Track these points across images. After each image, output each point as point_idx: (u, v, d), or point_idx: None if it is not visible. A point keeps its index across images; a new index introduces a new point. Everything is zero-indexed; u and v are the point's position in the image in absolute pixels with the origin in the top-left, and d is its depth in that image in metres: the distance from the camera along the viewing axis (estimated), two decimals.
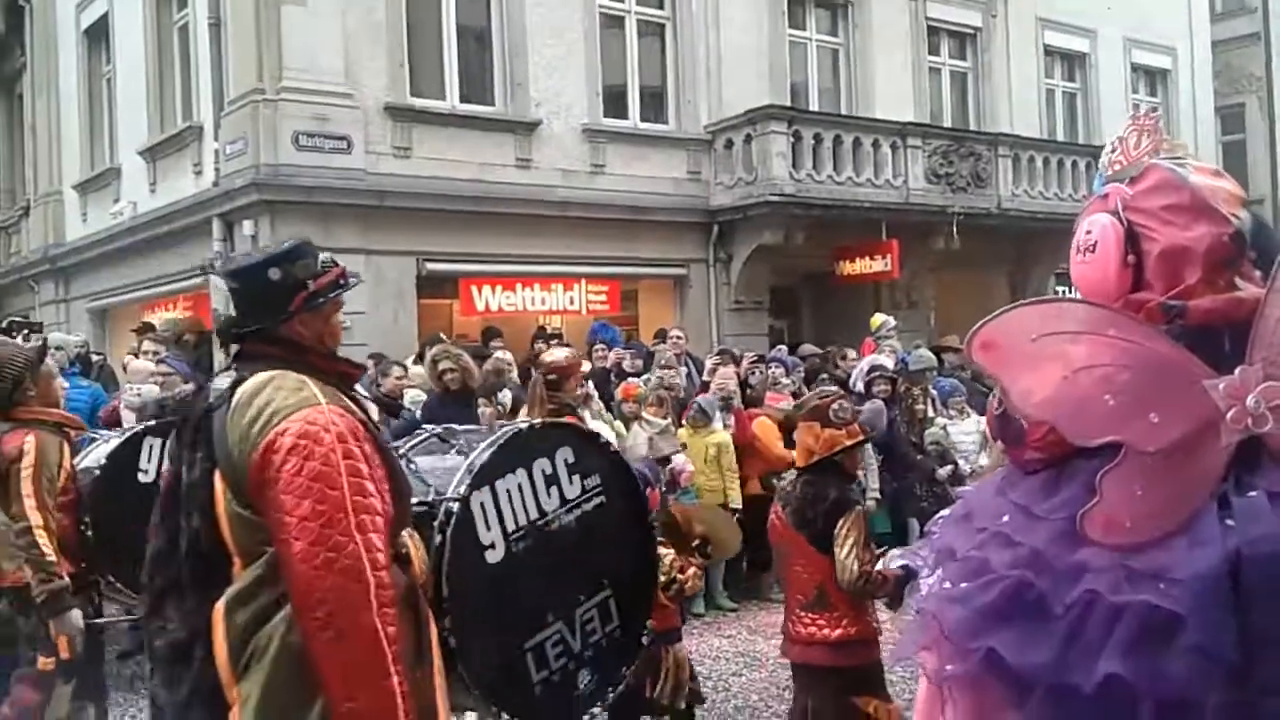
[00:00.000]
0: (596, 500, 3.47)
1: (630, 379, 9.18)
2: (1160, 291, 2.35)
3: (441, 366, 7.59)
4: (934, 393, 10.12)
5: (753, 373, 9.81)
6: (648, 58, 14.50)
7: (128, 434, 4.10)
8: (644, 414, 7.91)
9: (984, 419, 7.86)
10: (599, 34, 13.74)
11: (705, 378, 9.55)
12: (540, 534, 3.28)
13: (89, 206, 15.74)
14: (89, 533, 4.68)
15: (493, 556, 3.16)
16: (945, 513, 2.78)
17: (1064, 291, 18.51)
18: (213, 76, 12.23)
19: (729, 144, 14.26)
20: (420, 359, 9.25)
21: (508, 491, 3.22)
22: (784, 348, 12.11)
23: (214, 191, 12.06)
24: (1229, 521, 2.09)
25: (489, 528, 3.16)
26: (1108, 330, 2.26)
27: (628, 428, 8.41)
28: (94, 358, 10.30)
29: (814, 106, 15.63)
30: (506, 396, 7.58)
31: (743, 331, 14.07)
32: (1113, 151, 2.56)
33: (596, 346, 10.57)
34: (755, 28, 14.99)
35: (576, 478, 3.42)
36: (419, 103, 12.40)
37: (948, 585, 2.41)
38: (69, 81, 16.29)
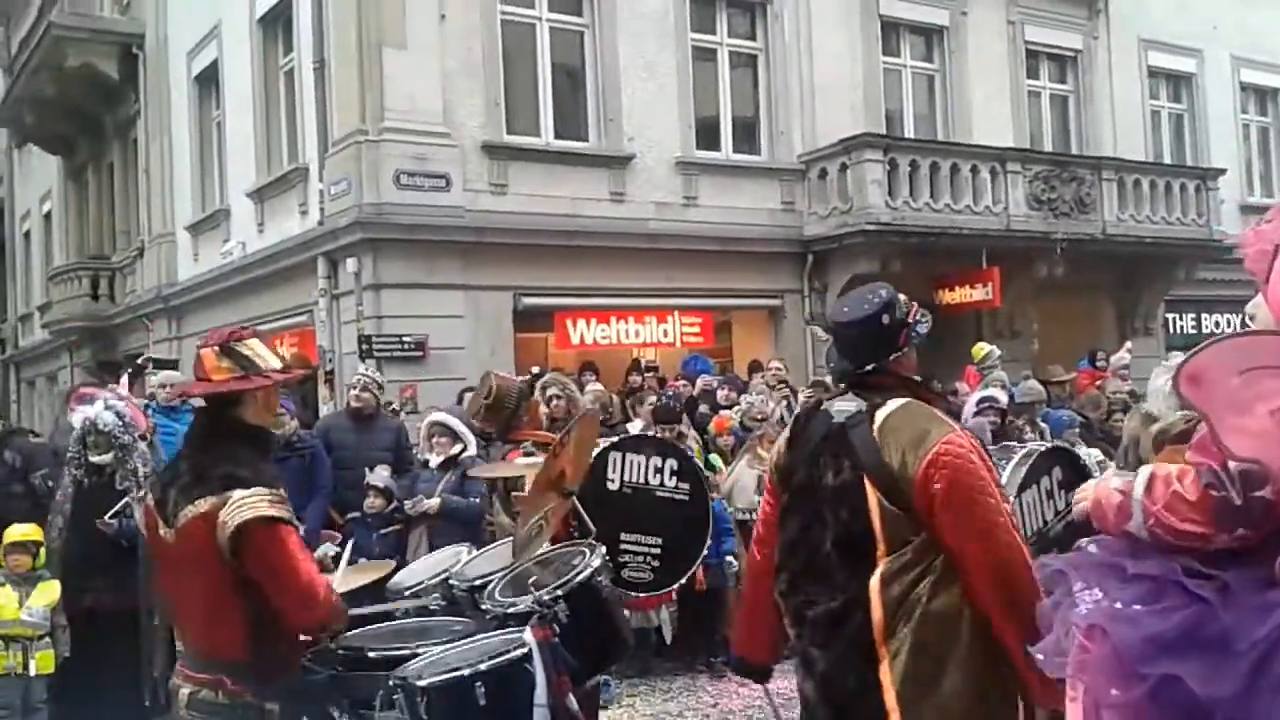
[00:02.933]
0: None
1: (723, 412, 9.12)
2: None
3: (550, 392, 7.69)
4: (1043, 425, 9.82)
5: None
6: (740, 89, 14.52)
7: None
8: (758, 450, 7.82)
9: (1093, 451, 7.62)
10: (691, 67, 13.81)
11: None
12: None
13: (200, 247, 16.32)
14: None
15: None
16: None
17: (1174, 319, 17.96)
18: (317, 119, 12.60)
19: (823, 173, 14.16)
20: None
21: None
22: None
23: (319, 230, 12.39)
24: None
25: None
26: None
27: (725, 461, 8.37)
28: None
29: (909, 134, 15.46)
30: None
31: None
32: None
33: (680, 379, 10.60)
34: (848, 56, 14.91)
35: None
36: (515, 140, 12.60)
37: (1118, 605, 2.29)
38: (181, 126, 16.96)
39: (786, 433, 3.42)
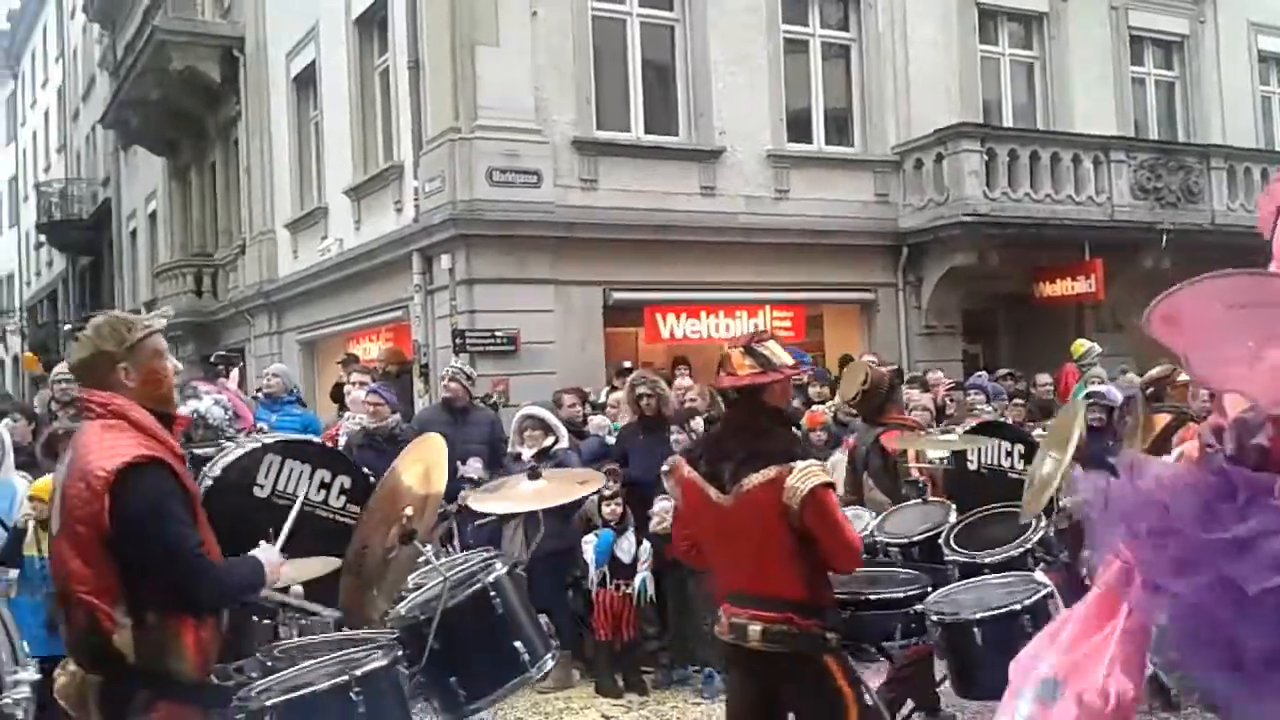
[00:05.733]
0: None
1: (816, 407, 9.00)
2: None
3: (639, 391, 7.68)
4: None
5: (950, 400, 9.46)
6: (832, 80, 14.33)
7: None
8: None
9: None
10: (783, 59, 13.67)
11: None
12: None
13: (299, 244, 16.69)
14: None
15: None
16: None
17: None
18: (412, 117, 12.77)
19: (918, 164, 13.90)
20: (614, 388, 9.38)
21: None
22: (984, 373, 11.65)
23: (414, 227, 12.57)
24: None
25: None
26: None
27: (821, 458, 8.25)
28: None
29: (1008, 123, 15.10)
30: (700, 424, 7.55)
31: (934, 357, 13.65)
32: None
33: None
34: (944, 45, 14.61)
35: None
36: (605, 135, 12.61)
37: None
38: (280, 126, 17.35)
39: None
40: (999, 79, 15.49)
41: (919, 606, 3.98)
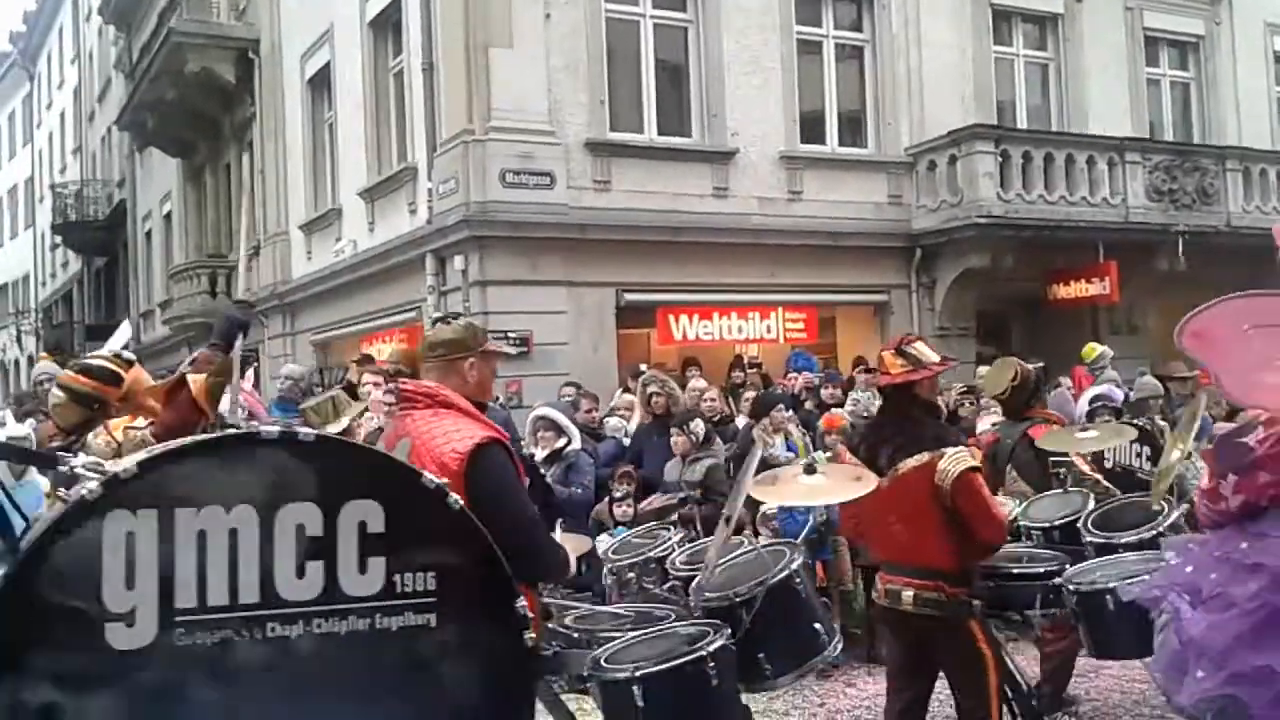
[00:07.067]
0: None
1: (834, 410, 8.98)
2: None
3: (650, 390, 7.72)
4: (1163, 424, 9.45)
5: (962, 403, 9.44)
6: (846, 81, 14.31)
7: None
8: None
9: None
10: (796, 60, 13.65)
11: None
12: None
13: (313, 245, 16.74)
14: None
15: None
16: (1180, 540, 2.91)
17: None
18: (426, 119, 12.80)
19: (932, 165, 13.88)
20: (627, 389, 9.40)
21: None
22: None
23: (428, 229, 12.60)
24: None
25: None
26: None
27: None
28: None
29: (1022, 124, 15.06)
30: (699, 426, 7.55)
31: (948, 358, 13.59)
32: None
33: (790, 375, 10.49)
34: (958, 46, 14.58)
35: None
36: (618, 137, 12.62)
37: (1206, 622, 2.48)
38: (294, 128, 17.41)
39: None
40: (1013, 80, 15.45)
41: (1058, 580, 4.31)
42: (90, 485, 1.69)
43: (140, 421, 3.87)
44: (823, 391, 9.85)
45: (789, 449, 7.98)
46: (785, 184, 13.46)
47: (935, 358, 4.30)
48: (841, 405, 9.24)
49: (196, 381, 4.01)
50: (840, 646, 3.78)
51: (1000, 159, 13.45)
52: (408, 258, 13.20)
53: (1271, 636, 2.27)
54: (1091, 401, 9.11)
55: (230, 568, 1.77)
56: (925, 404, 4.30)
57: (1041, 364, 9.02)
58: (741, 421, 9.09)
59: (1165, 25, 16.49)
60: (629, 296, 12.53)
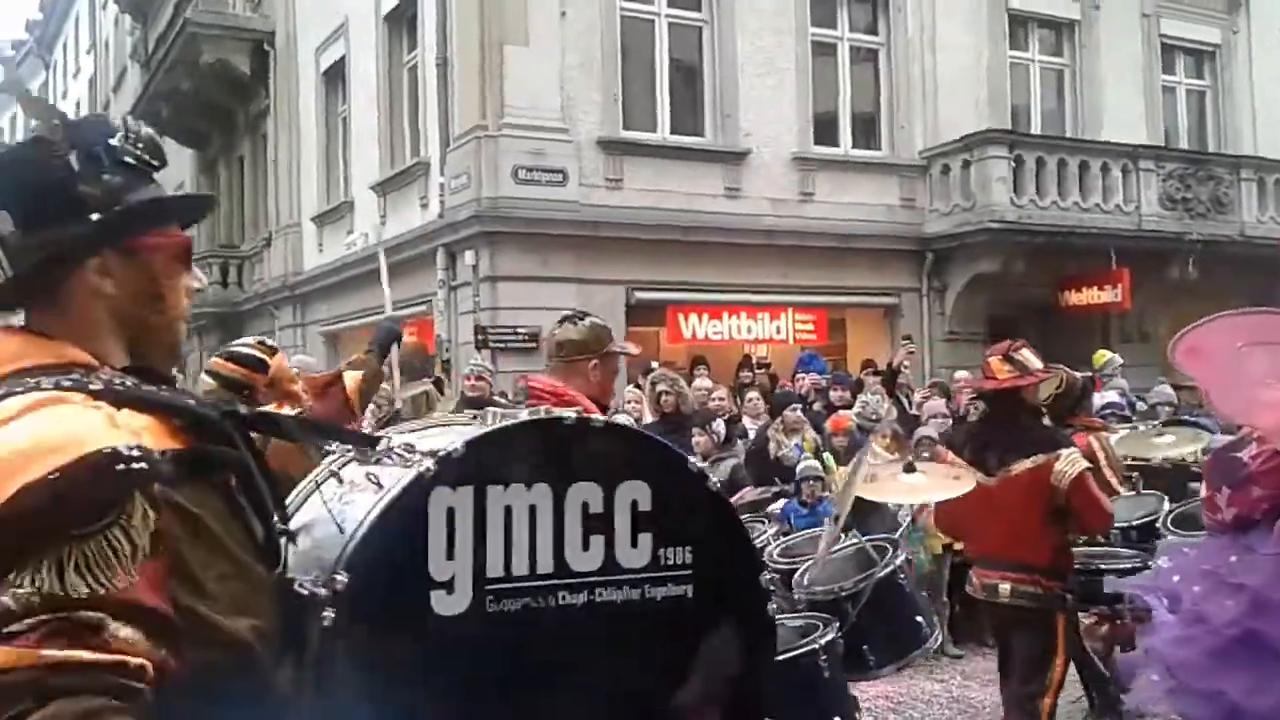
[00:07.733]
0: None
1: (841, 412, 8.98)
2: None
3: (659, 388, 7.73)
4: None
5: (972, 408, 9.41)
6: (860, 84, 14.29)
7: None
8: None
9: None
10: (810, 62, 13.63)
11: (914, 411, 9.25)
12: None
13: (325, 237, 16.77)
14: None
15: None
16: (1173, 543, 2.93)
17: None
18: (439, 114, 12.82)
19: (945, 170, 13.85)
20: (637, 386, 9.40)
21: None
22: None
23: (439, 224, 12.61)
24: None
25: None
26: None
27: (838, 461, 8.24)
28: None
29: (1036, 130, 15.02)
30: (720, 426, 7.56)
31: (958, 363, 13.54)
32: None
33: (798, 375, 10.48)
34: (973, 50, 14.55)
35: None
36: (630, 135, 12.62)
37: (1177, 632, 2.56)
38: (308, 120, 17.45)
39: None
40: (1028, 85, 15.41)
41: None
42: (427, 463, 1.86)
43: (286, 410, 3.91)
44: (831, 393, 9.84)
45: (798, 449, 8.00)
46: (797, 185, 13.45)
47: (1039, 364, 4.53)
48: (850, 407, 9.23)
49: (353, 379, 4.10)
50: (940, 639, 4.02)
51: (1014, 164, 13.42)
52: (419, 252, 13.21)
53: (1237, 660, 2.29)
54: (1100, 409, 9.08)
55: (530, 541, 1.95)
56: (1031, 408, 4.54)
57: (1090, 373, 9.08)
58: (747, 422, 9.10)
59: (1182, 33, 16.44)
60: (639, 295, 12.53)
